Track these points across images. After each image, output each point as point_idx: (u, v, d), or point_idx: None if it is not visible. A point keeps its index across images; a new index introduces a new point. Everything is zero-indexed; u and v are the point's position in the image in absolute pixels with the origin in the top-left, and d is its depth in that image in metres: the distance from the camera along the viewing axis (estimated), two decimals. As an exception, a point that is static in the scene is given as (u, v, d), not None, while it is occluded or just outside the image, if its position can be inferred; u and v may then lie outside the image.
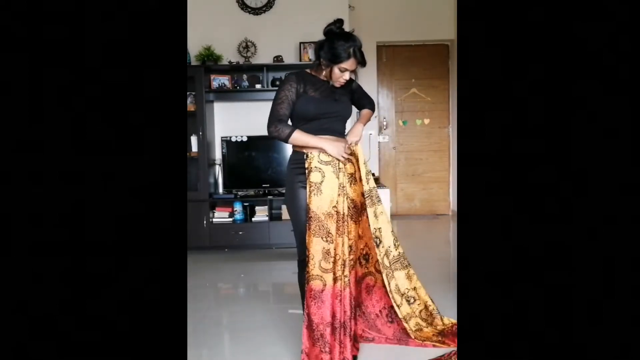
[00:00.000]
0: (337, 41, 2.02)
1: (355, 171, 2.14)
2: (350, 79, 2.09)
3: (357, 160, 2.14)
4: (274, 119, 2.06)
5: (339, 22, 2.09)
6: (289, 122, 2.10)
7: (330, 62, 2.02)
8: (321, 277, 2.02)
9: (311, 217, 2.03)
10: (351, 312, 2.08)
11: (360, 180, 2.15)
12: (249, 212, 4.39)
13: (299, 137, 2.05)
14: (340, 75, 2.04)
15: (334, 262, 2.03)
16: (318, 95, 2.08)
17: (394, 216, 5.44)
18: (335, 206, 2.05)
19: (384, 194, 4.60)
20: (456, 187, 5.14)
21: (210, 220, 4.31)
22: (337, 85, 2.08)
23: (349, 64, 2.01)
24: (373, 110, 2.33)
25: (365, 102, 2.31)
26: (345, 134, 2.18)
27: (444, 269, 3.73)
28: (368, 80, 5.42)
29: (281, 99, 2.06)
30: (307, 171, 2.05)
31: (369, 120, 2.30)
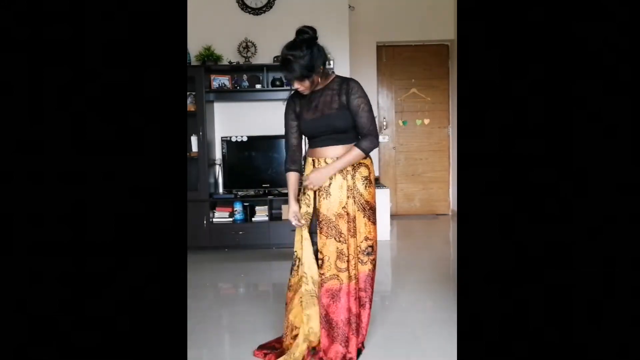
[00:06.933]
0: (282, 51, 2.02)
1: (370, 173, 2.16)
2: (349, 92, 2.05)
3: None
4: (286, 150, 2.25)
5: (306, 30, 2.03)
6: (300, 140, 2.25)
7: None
8: (337, 276, 2.09)
9: (321, 220, 2.10)
10: (361, 303, 2.17)
11: (373, 184, 2.18)
12: (249, 212, 4.38)
13: (287, 178, 2.24)
14: (292, 84, 2.06)
15: (348, 261, 2.10)
16: (309, 116, 2.11)
17: (393, 216, 5.44)
18: (344, 207, 2.09)
19: (384, 194, 4.60)
20: (456, 187, 5.14)
21: (210, 220, 4.31)
22: (302, 93, 2.10)
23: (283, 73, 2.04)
24: (366, 151, 2.05)
25: (362, 134, 2.07)
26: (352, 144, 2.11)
27: (444, 269, 3.73)
28: (368, 80, 5.42)
29: (286, 129, 2.22)
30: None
31: (350, 163, 2.06)
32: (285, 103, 2.21)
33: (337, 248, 2.08)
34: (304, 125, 2.14)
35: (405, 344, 2.36)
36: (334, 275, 2.09)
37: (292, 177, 2.22)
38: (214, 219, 4.34)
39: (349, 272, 2.09)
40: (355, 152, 2.05)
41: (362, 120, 2.05)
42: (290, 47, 1.97)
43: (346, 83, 2.08)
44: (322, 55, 2.03)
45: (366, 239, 2.13)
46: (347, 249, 2.09)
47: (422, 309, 2.84)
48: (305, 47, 1.95)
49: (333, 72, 2.23)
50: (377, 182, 4.89)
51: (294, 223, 2.14)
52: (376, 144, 2.09)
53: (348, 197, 2.09)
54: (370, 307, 2.21)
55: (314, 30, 2.01)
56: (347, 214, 2.09)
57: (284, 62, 1.97)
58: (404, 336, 2.44)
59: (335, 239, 2.08)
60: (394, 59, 5.66)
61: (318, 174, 2.08)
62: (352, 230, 2.10)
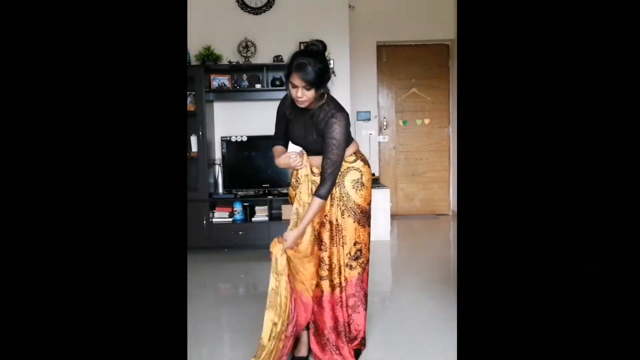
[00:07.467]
0: (295, 56, 1.95)
1: (361, 176, 2.13)
2: (328, 129, 1.97)
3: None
4: (274, 136, 2.29)
5: (315, 44, 2.01)
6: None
7: (285, 76, 1.98)
8: (319, 284, 2.10)
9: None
10: (354, 307, 2.15)
11: (366, 186, 2.16)
12: (249, 212, 4.38)
13: (274, 151, 2.24)
14: (294, 92, 1.93)
15: (330, 270, 2.10)
16: (295, 131, 2.11)
17: (394, 216, 5.44)
18: (326, 215, 2.09)
19: (384, 194, 4.60)
20: (456, 187, 5.14)
21: (210, 220, 4.31)
22: (298, 104, 1.99)
23: (294, 77, 1.89)
24: (325, 197, 2.00)
25: (322, 176, 2.01)
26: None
27: (444, 269, 3.73)
28: (368, 80, 5.42)
29: (276, 123, 2.26)
30: (298, 185, 2.12)
31: (315, 214, 2.00)
32: (280, 101, 2.18)
33: (319, 256, 2.10)
34: (290, 134, 2.16)
35: (405, 344, 2.36)
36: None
37: (278, 147, 2.22)
38: (214, 219, 4.34)
39: (331, 281, 2.09)
40: (316, 203, 1.99)
41: (327, 161, 1.99)
42: (305, 54, 1.94)
43: (329, 117, 1.98)
44: (329, 72, 2.00)
45: (355, 243, 2.12)
46: (329, 257, 2.09)
47: (422, 309, 2.84)
48: (320, 57, 1.94)
49: (328, 93, 2.06)
50: (377, 182, 4.89)
51: (299, 159, 2.09)
52: (332, 186, 2.03)
53: (331, 206, 2.09)
54: (365, 309, 2.19)
55: (324, 45, 2.00)
56: (330, 222, 2.10)
57: (299, 65, 1.89)
58: (404, 336, 2.44)
59: (317, 247, 2.09)
60: (394, 58, 5.66)
61: (290, 237, 2.00)
62: (334, 239, 2.10)
